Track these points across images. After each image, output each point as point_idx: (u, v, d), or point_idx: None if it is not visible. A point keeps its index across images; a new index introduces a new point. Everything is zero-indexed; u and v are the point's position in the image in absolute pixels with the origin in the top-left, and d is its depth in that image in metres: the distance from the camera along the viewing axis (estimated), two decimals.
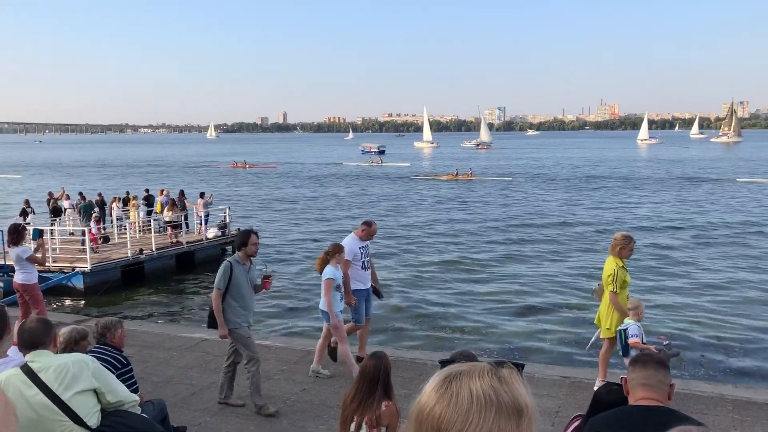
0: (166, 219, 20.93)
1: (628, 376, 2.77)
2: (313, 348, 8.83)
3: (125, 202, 24.71)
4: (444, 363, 1.16)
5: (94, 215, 21.41)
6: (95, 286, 16.53)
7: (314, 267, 7.92)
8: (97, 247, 18.81)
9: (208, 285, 17.96)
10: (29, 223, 18.63)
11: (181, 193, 24.08)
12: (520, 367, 1.16)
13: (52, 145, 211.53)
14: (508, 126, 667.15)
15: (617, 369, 8.01)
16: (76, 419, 3.28)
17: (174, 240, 20.03)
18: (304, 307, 15.09)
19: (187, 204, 22.79)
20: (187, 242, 19.93)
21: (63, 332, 4.74)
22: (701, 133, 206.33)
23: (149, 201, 25.00)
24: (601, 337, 7.54)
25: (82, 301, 16.02)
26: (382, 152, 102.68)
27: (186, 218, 21.35)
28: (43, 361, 3.37)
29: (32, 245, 12.08)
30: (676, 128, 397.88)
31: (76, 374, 3.32)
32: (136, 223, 22.10)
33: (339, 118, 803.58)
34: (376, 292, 8.75)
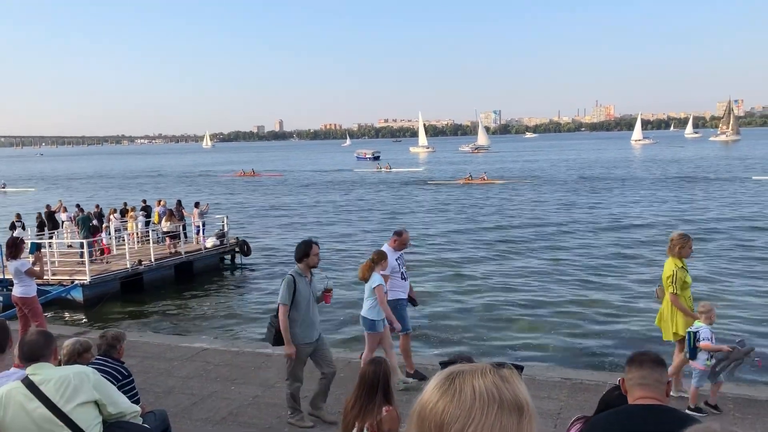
0: (164, 229, 20.93)
1: (626, 375, 2.79)
2: None
3: (123, 213, 24.70)
4: (445, 364, 1.18)
5: (105, 226, 21.62)
6: (94, 298, 16.51)
7: (358, 275, 7.77)
8: (97, 258, 18.81)
9: (206, 295, 17.99)
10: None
11: (179, 203, 24.09)
12: (519, 368, 1.19)
13: (52, 158, 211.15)
14: (504, 129, 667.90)
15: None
16: (78, 431, 3.28)
17: (173, 250, 20.02)
18: None
19: (185, 214, 22.79)
20: (186, 252, 19.92)
21: (66, 344, 4.75)
22: (696, 132, 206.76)
23: (147, 212, 25.01)
24: (664, 339, 7.30)
25: (82, 314, 16.00)
26: (377, 158, 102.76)
27: (184, 228, 21.35)
28: (44, 373, 3.38)
29: (30, 259, 12.08)
30: (672, 128, 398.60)
31: (78, 386, 3.33)
32: (135, 234, 22.08)
33: (335, 124, 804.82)
34: (412, 300, 8.58)
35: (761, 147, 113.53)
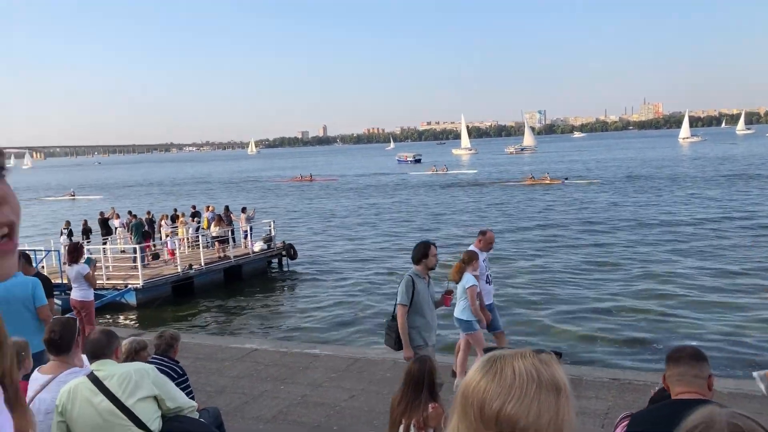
0: (213, 234, 21.46)
1: (666, 372, 2.83)
2: (362, 356, 9.00)
3: (174, 219, 25.36)
4: (487, 350, 1.28)
5: (169, 231, 22.30)
6: (147, 302, 17.04)
7: (449, 276, 7.61)
8: (149, 263, 19.41)
9: (255, 298, 18.35)
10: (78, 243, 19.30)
11: (226, 208, 24.60)
12: (558, 354, 1.27)
13: (109, 167, 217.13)
14: (549, 129, 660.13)
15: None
16: (140, 424, 3.47)
17: (222, 255, 20.49)
18: (351, 316, 15.27)
19: (233, 219, 23.30)
20: (235, 256, 20.36)
21: (124, 343, 4.99)
22: (748, 129, 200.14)
23: (197, 217, 25.63)
24: None
25: (135, 317, 16.52)
26: (418, 161, 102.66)
27: (233, 233, 21.83)
28: (107, 369, 3.59)
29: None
30: (723, 125, 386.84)
31: (138, 382, 3.52)
32: (185, 240, 22.68)
33: (378, 128, 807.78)
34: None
35: None
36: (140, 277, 17.05)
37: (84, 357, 3.93)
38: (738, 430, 1.25)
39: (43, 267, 16.65)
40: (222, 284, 19.41)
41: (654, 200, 36.07)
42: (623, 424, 3.41)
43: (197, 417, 3.95)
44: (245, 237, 22.19)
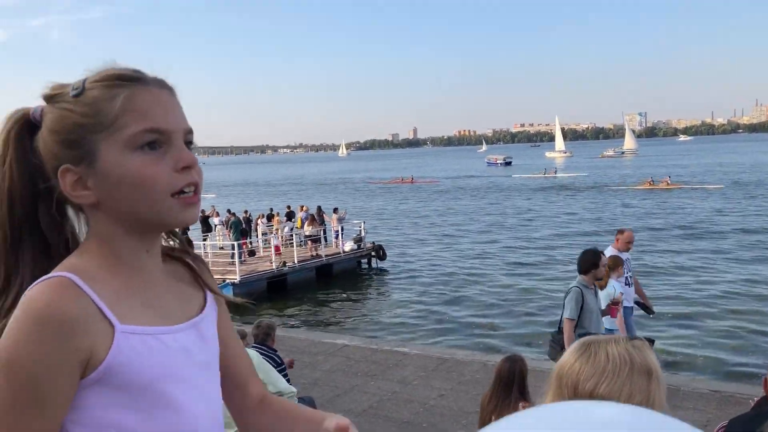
0: (307, 233, 22.12)
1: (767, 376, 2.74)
2: (450, 356, 9.06)
3: (269, 218, 26.28)
4: (582, 335, 1.35)
5: (276, 228, 23.12)
6: (243, 296, 17.58)
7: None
8: (246, 260, 20.24)
9: (345, 296, 18.77)
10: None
11: (319, 208, 25.24)
12: (651, 341, 1.33)
13: (210, 167, 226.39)
14: (651, 132, 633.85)
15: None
16: None
17: (314, 253, 21.08)
18: (438, 317, 15.35)
19: (325, 218, 23.89)
20: (326, 255, 20.90)
21: None
22: None
23: (291, 217, 26.44)
24: None
25: (232, 311, 17.20)
26: (508, 164, 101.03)
27: (324, 232, 22.40)
28: None
29: None
30: None
31: None
32: (280, 237, 23.45)
33: (469, 131, 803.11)
34: (645, 308, 7.83)
35: None
36: (237, 272, 17.80)
37: None
38: None
39: None
40: (313, 282, 19.97)
41: None
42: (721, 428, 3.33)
43: (296, 401, 4.16)
44: (336, 237, 22.70)
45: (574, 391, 1.20)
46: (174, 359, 1.02)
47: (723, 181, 51.28)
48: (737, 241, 23.75)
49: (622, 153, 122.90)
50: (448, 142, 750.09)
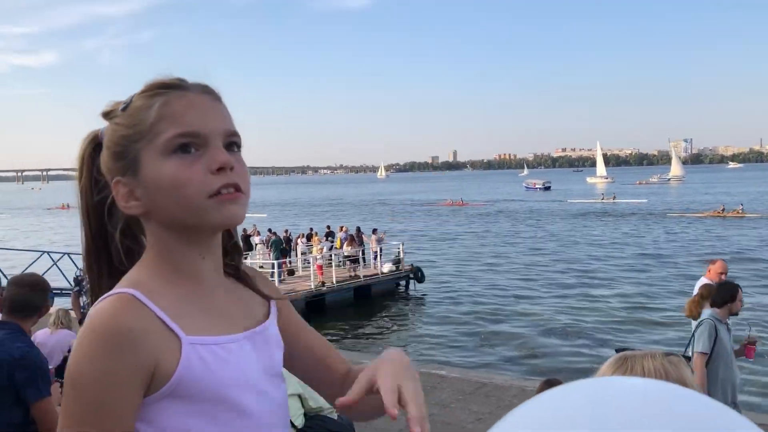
0: (345, 254, 22.24)
1: None
2: (489, 381, 8.97)
3: (309, 237, 26.51)
4: (619, 350, 1.36)
5: (321, 246, 23.15)
6: None
7: (685, 312, 6.60)
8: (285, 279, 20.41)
9: (383, 317, 18.75)
10: None
11: (358, 229, 25.37)
12: (687, 359, 1.34)
13: (253, 187, 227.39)
14: (696, 159, 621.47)
15: None
16: None
17: (353, 274, 21.15)
18: (476, 341, 15.21)
19: (364, 239, 23.99)
20: (364, 276, 20.95)
21: None
22: None
23: (331, 237, 26.62)
24: None
25: None
26: (547, 188, 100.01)
27: (363, 253, 22.48)
28: None
29: None
30: None
31: (286, 380, 3.80)
32: (317, 258, 23.60)
33: (509, 154, 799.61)
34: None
35: None
36: None
37: None
38: None
39: None
40: (351, 302, 20.02)
41: None
42: None
43: (335, 418, 4.18)
44: (375, 258, 22.75)
45: None
46: (240, 366, 1.04)
47: None
48: None
49: (668, 180, 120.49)
50: (489, 165, 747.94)
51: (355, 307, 19.67)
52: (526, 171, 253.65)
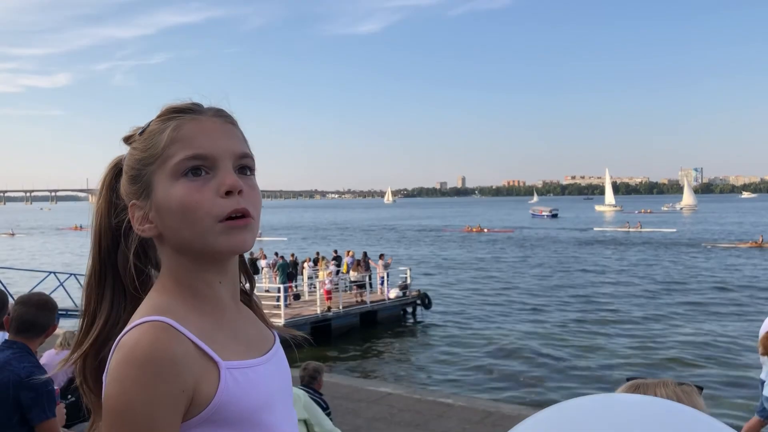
0: (352, 279, 22.17)
1: None
2: (495, 410, 8.85)
3: (315, 262, 26.46)
4: (630, 379, 1.34)
5: (327, 271, 22.81)
6: (286, 340, 17.70)
7: (758, 349, 6.24)
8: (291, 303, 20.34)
9: (389, 343, 18.61)
10: None
11: (365, 254, 25.32)
12: (700, 388, 1.31)
13: (268, 209, 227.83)
14: (707, 188, 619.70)
15: None
16: None
17: (359, 299, 21.07)
18: (483, 370, 15.05)
19: (370, 264, 23.93)
20: (371, 301, 20.86)
21: None
22: None
23: (338, 261, 26.57)
24: None
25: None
26: (554, 216, 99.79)
27: (370, 278, 22.40)
28: None
29: None
30: None
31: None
32: (325, 283, 23.52)
33: (518, 181, 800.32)
34: None
35: None
36: (282, 316, 17.88)
37: None
38: None
39: None
40: (357, 328, 19.90)
41: None
42: None
43: None
44: (381, 283, 22.66)
45: None
46: (268, 388, 1.06)
47: None
48: None
49: (680, 209, 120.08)
50: (497, 192, 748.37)
51: (361, 333, 19.55)
52: (536, 198, 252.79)
